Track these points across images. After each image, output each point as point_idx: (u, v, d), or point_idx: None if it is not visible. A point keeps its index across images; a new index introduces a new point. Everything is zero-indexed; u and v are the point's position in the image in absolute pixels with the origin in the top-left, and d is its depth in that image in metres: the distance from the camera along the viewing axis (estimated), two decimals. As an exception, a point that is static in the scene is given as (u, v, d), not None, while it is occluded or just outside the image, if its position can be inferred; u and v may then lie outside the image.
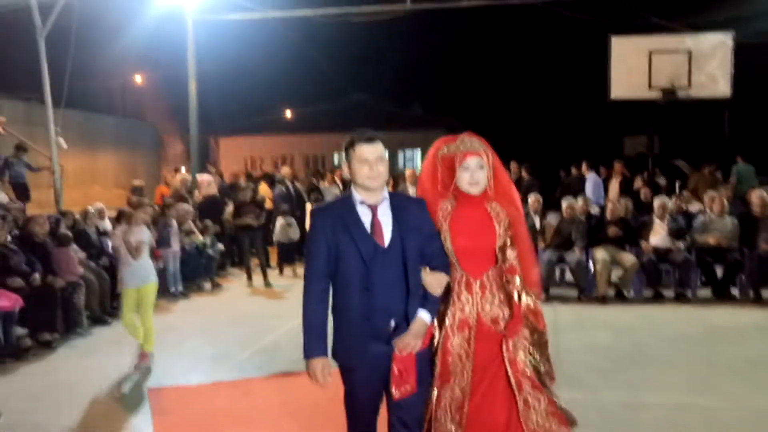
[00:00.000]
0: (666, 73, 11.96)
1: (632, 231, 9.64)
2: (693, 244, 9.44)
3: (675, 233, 9.43)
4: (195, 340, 7.61)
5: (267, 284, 10.69)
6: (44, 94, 10.88)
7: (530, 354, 3.26)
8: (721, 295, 9.18)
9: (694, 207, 11.24)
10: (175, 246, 10.13)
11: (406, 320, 3.10)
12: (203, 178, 13.71)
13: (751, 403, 5.25)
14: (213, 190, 13.11)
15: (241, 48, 23.22)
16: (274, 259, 12.59)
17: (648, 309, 8.74)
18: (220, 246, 11.42)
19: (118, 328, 8.19)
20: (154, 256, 9.78)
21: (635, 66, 12.06)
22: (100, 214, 10.11)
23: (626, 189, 13.26)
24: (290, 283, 11.00)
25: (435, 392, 3.22)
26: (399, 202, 3.22)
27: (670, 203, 9.97)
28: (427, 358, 3.22)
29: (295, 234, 12.11)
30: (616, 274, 9.55)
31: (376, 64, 41.95)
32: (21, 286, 7.26)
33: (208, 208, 12.12)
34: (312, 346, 3.10)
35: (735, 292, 9.31)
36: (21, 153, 11.91)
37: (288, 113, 37.61)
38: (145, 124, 22.49)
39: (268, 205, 13.21)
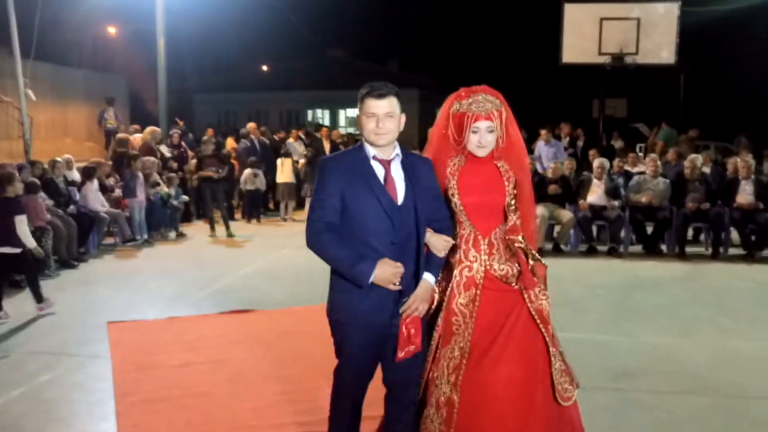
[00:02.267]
0: (615, 40, 12.51)
1: (572, 189, 10.30)
2: (627, 202, 10.12)
3: (611, 192, 10.10)
4: (156, 282, 8.17)
5: (229, 234, 11.25)
6: (13, 46, 11.21)
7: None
8: (651, 251, 9.91)
9: (639, 168, 11.90)
10: (141, 196, 10.67)
11: (415, 281, 3.07)
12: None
13: (642, 339, 5.97)
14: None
15: (215, 4, 23.28)
16: (240, 213, 13.33)
17: (580, 262, 9.45)
18: (185, 197, 11.94)
19: (85, 271, 8.81)
20: (120, 205, 10.41)
21: (586, 32, 12.59)
22: (68, 164, 10.58)
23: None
24: (252, 233, 11.62)
25: (437, 353, 3.18)
26: (410, 161, 3.13)
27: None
28: (428, 318, 3.20)
29: (261, 184, 12.93)
30: (557, 230, 10.25)
31: (351, 20, 42.00)
32: (-9, 229, 7.75)
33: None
34: (365, 269, 2.93)
35: (664, 248, 10.06)
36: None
37: (264, 68, 37.65)
38: (117, 77, 22.59)
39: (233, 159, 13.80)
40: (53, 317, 6.63)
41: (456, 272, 3.20)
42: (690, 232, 10.50)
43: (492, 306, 3.13)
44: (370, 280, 2.93)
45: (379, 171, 3.04)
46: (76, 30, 21.28)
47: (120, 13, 22.73)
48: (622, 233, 10.04)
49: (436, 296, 3.16)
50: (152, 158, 11.34)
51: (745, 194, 9.79)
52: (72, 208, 9.61)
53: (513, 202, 3.20)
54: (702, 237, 10.60)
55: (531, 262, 3.21)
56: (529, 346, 3.11)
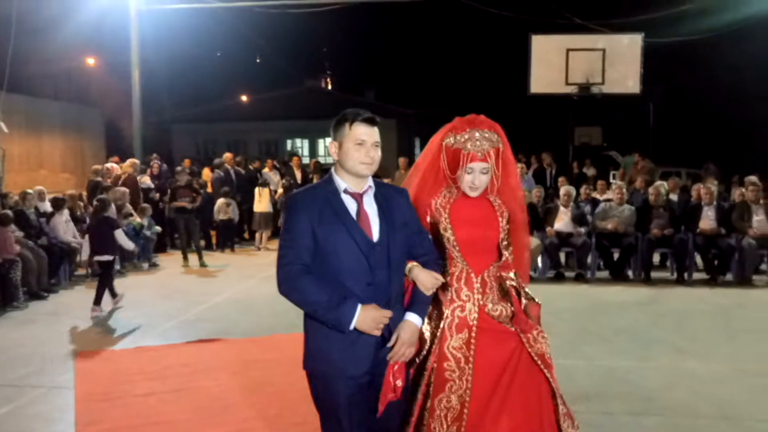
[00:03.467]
0: (582, 70, 12.81)
1: (539, 216, 10.48)
2: (594, 229, 10.31)
3: (577, 219, 10.30)
4: (126, 312, 8.20)
5: (202, 264, 11.30)
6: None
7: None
8: (617, 276, 10.09)
9: (608, 195, 12.13)
10: (113, 227, 10.69)
11: (387, 327, 2.75)
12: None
13: (600, 362, 6.10)
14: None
15: (192, 36, 23.56)
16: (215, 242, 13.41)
17: (548, 288, 9.56)
18: (157, 228, 11.98)
19: (55, 302, 8.81)
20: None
21: (553, 63, 12.88)
22: (40, 195, 10.61)
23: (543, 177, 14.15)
24: (225, 263, 11.68)
25: (429, 402, 2.92)
26: (383, 193, 2.87)
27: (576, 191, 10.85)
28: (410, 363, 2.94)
29: (234, 214, 13.04)
30: (525, 257, 10.40)
31: (328, 51, 42.50)
32: (-40, 261, 7.81)
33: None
34: (346, 311, 2.66)
35: (630, 273, 10.25)
36: None
37: (243, 99, 37.88)
38: (92, 109, 22.69)
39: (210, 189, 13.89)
40: (19, 349, 6.63)
41: (447, 312, 2.98)
42: (657, 258, 10.71)
43: (489, 350, 2.94)
44: (352, 325, 2.67)
45: (351, 206, 2.77)
46: (51, 61, 21.37)
47: (96, 44, 22.87)
48: (589, 259, 10.23)
49: (427, 337, 2.95)
50: (123, 189, 11.40)
51: (708, 220, 10.03)
52: (43, 239, 9.63)
53: (507, 237, 3.07)
54: (668, 262, 10.82)
55: (524, 300, 3.07)
56: (533, 393, 2.94)
